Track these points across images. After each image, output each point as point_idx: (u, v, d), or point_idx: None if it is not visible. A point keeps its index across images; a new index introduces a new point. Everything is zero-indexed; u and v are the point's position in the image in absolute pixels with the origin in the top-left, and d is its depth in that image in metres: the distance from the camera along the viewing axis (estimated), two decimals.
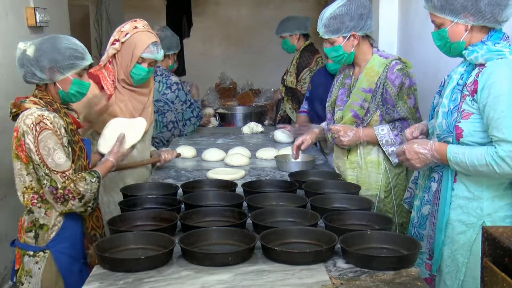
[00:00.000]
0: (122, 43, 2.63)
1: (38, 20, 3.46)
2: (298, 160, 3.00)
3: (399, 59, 2.57)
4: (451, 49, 1.98)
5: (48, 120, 2.03)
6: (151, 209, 2.16)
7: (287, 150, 3.22)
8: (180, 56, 6.83)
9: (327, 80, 3.55)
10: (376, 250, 1.77)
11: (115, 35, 2.67)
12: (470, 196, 1.95)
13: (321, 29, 2.57)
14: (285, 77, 4.38)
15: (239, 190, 2.40)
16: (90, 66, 2.30)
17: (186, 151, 3.28)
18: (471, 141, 1.90)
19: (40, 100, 2.11)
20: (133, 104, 2.72)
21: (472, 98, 1.88)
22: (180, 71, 6.86)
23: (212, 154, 3.20)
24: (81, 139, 2.22)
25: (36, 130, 2.01)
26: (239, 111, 5.08)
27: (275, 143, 3.61)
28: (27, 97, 2.12)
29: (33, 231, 2.12)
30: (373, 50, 2.61)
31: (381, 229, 1.90)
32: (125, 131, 2.42)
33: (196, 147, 3.37)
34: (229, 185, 2.46)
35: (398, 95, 2.51)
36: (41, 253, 2.12)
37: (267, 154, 3.22)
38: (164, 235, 1.81)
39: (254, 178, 2.72)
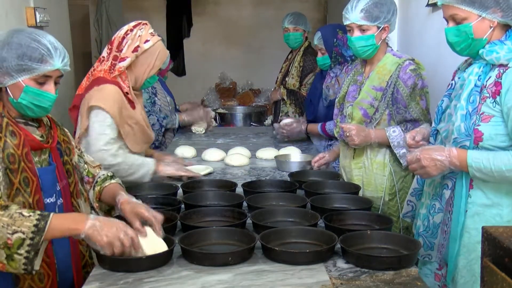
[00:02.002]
0: (145, 50, 2.53)
1: (38, 20, 3.46)
2: (298, 160, 3.01)
3: (413, 59, 2.54)
4: (471, 46, 1.88)
5: None
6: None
7: (287, 150, 3.22)
8: (180, 56, 6.85)
9: (320, 81, 3.57)
10: (376, 250, 1.77)
11: (132, 39, 2.51)
12: (489, 203, 1.88)
13: (357, 14, 2.46)
14: (286, 79, 4.35)
15: (239, 190, 2.40)
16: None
17: (186, 151, 3.28)
18: (491, 145, 1.83)
19: None
20: (143, 110, 2.73)
21: (493, 100, 1.81)
22: (180, 71, 6.87)
23: (212, 154, 3.20)
24: (32, 167, 1.69)
25: None
26: (239, 111, 5.08)
27: (275, 143, 3.62)
28: None
29: None
30: (387, 49, 2.61)
31: (381, 229, 1.90)
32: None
33: (196, 147, 3.36)
34: (229, 185, 2.46)
35: (411, 96, 2.48)
36: None
37: (267, 154, 3.22)
38: (164, 235, 1.81)
39: (254, 178, 2.72)
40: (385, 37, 2.55)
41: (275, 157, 3.07)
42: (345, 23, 2.55)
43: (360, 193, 2.46)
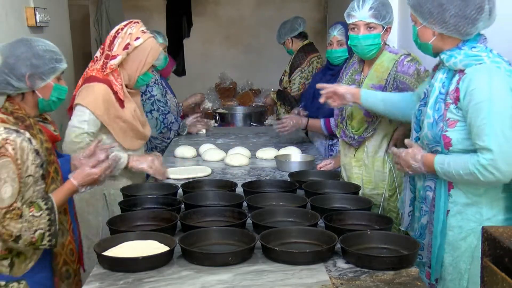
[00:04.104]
0: (136, 47, 2.56)
1: (38, 20, 3.46)
2: (298, 160, 3.01)
3: (409, 54, 2.57)
4: (421, 47, 2.00)
5: (11, 145, 1.77)
6: (151, 209, 2.16)
7: (287, 150, 3.22)
8: (180, 56, 6.84)
9: (325, 78, 3.53)
10: (376, 250, 1.77)
11: (122, 37, 2.55)
12: (468, 202, 1.93)
13: (366, 12, 2.47)
14: (282, 78, 4.40)
15: (239, 190, 2.40)
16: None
17: (186, 151, 3.28)
18: (461, 149, 1.88)
19: (9, 118, 1.86)
20: (139, 108, 2.72)
21: (456, 106, 1.87)
22: (180, 71, 6.87)
23: (212, 154, 3.20)
24: (56, 159, 1.99)
25: None
26: (239, 111, 5.07)
27: (275, 143, 3.61)
28: None
29: (9, 259, 1.85)
30: (385, 47, 2.63)
31: (381, 229, 1.91)
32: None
33: (196, 147, 3.36)
34: (229, 185, 2.46)
35: (418, 81, 2.49)
36: (15, 283, 1.86)
37: (267, 154, 3.22)
38: (164, 235, 1.81)
39: (254, 178, 2.72)
40: (386, 39, 2.56)
41: (275, 157, 3.07)
42: (351, 21, 2.53)
43: (360, 191, 2.46)
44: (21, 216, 1.77)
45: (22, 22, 3.37)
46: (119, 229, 1.92)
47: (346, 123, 2.68)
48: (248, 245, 1.73)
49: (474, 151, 1.84)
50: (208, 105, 4.61)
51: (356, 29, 2.52)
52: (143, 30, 2.60)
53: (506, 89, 1.78)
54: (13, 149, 1.77)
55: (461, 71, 1.86)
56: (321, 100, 2.51)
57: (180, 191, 2.39)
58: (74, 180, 1.96)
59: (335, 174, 2.74)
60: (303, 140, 3.76)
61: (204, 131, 4.08)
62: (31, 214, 1.79)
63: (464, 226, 1.94)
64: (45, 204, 1.83)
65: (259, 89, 6.71)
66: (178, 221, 1.96)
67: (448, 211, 1.97)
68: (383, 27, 2.51)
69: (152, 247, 1.73)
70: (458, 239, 1.95)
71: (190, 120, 4.03)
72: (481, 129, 1.78)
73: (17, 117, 1.88)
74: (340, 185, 2.46)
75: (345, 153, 2.76)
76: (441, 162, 1.90)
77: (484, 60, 1.83)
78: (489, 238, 1.28)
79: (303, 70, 4.13)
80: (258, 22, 6.92)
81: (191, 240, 1.79)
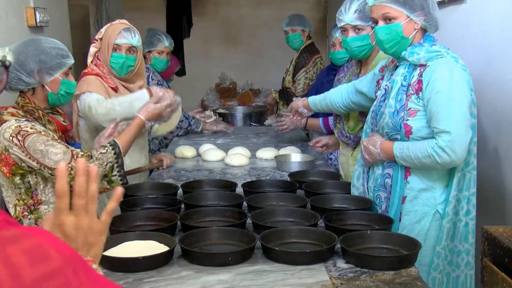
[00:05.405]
0: (100, 39, 2.72)
1: (38, 20, 3.45)
2: (298, 160, 3.01)
3: None
4: (400, 44, 2.03)
5: (27, 127, 2.00)
6: (151, 209, 2.16)
7: (287, 150, 3.22)
8: (180, 56, 6.85)
9: (328, 78, 3.54)
10: (376, 250, 1.77)
11: (95, 38, 2.78)
12: (424, 187, 2.07)
13: (352, 15, 2.51)
14: (284, 76, 4.39)
15: (239, 190, 2.40)
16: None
17: (186, 151, 3.28)
18: (420, 137, 2.01)
19: (18, 111, 2.07)
20: None
21: (417, 96, 2.01)
22: (180, 71, 6.87)
23: (212, 154, 3.20)
24: (68, 146, 2.14)
25: (19, 140, 1.97)
26: (239, 111, 5.07)
27: (275, 143, 3.62)
28: (6, 107, 2.08)
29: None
30: None
31: (381, 229, 1.91)
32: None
33: (196, 147, 3.36)
34: (229, 185, 2.46)
35: None
36: None
37: (267, 154, 3.22)
38: (164, 235, 1.81)
39: (254, 178, 2.72)
40: None
41: (275, 157, 3.07)
42: (339, 25, 2.59)
43: None
44: (91, 157, 2.05)
45: (22, 22, 3.37)
46: (119, 229, 1.92)
47: (343, 123, 2.70)
48: (248, 245, 1.73)
49: (432, 138, 1.98)
50: (209, 113, 4.61)
51: (345, 32, 2.56)
52: (110, 24, 2.74)
53: (463, 81, 1.96)
54: (31, 128, 1.99)
55: (422, 65, 2.01)
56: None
57: (180, 191, 2.39)
58: (141, 115, 2.22)
59: (335, 174, 2.75)
60: (303, 140, 3.77)
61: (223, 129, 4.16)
62: (98, 153, 2.06)
63: (419, 210, 2.08)
64: (108, 143, 2.11)
65: (259, 89, 6.71)
66: (178, 221, 1.96)
67: (405, 197, 2.09)
68: (372, 27, 2.50)
69: (152, 247, 1.73)
70: (413, 222, 2.09)
71: (209, 119, 4.09)
72: (441, 115, 1.93)
73: (27, 110, 2.09)
74: (340, 185, 2.46)
75: (343, 152, 2.78)
76: (400, 147, 2.04)
77: (444, 55, 1.99)
78: (489, 238, 1.28)
79: (308, 70, 4.13)
80: (258, 22, 6.92)
81: (191, 240, 1.79)
